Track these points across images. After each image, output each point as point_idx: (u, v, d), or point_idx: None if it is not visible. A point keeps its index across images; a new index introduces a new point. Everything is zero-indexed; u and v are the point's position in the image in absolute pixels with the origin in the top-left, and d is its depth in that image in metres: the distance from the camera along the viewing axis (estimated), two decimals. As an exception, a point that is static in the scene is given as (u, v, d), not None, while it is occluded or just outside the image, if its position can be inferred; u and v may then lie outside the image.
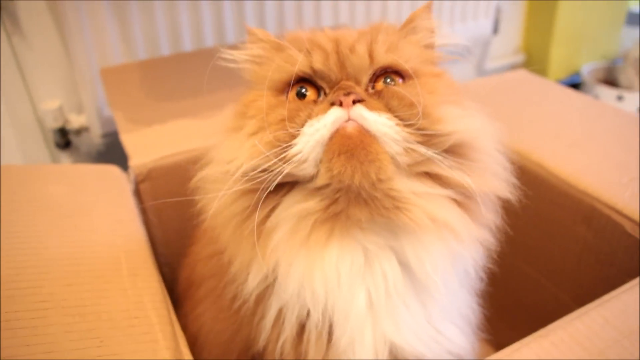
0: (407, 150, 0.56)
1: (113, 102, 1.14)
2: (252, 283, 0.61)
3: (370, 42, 0.60)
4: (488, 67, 2.34)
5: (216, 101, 1.12)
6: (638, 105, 2.23)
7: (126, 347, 0.59)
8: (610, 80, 2.42)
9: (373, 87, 0.60)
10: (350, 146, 0.54)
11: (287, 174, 0.56)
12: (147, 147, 1.00)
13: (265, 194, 0.57)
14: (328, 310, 0.59)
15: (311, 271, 0.58)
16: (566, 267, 0.92)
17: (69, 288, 0.66)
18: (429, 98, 0.58)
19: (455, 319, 0.68)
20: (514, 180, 0.64)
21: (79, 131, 1.53)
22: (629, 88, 2.32)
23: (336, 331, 0.61)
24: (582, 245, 0.88)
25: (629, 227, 0.79)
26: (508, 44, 2.43)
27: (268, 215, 0.59)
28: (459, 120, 0.59)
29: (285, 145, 0.56)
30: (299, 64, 0.59)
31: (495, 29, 2.20)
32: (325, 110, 0.55)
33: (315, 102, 0.59)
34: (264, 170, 0.56)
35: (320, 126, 0.54)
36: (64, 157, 1.57)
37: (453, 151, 0.58)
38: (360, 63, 0.59)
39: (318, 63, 0.58)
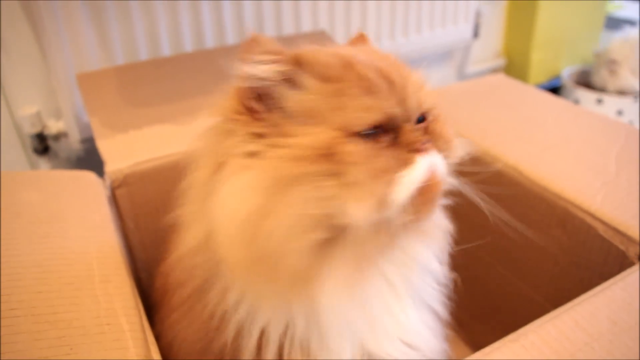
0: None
1: (89, 107, 1.13)
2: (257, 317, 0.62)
3: (412, 82, 0.62)
4: (469, 71, 2.35)
5: (193, 106, 1.11)
6: (617, 108, 2.25)
7: (96, 354, 0.58)
8: (590, 83, 2.44)
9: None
10: (438, 192, 0.60)
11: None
12: (124, 152, 0.99)
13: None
14: (316, 327, 0.61)
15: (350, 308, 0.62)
16: (542, 270, 0.93)
17: (39, 295, 0.65)
18: (450, 131, 0.64)
19: (428, 320, 0.69)
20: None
21: (58, 137, 1.52)
22: (602, 90, 2.34)
23: (315, 344, 0.62)
24: (557, 248, 0.88)
25: (602, 230, 0.80)
26: (489, 48, 2.45)
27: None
28: (459, 143, 0.65)
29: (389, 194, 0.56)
30: (378, 113, 0.57)
31: (476, 33, 2.21)
32: (413, 159, 0.57)
33: (389, 146, 0.58)
34: None
35: (417, 174, 0.56)
36: (43, 163, 1.56)
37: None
38: (415, 105, 0.60)
39: (393, 110, 0.58)
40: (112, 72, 1.26)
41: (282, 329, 0.62)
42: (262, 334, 0.63)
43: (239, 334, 0.64)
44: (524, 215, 0.92)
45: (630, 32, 2.36)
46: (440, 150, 0.60)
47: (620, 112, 2.25)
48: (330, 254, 0.58)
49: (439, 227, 0.69)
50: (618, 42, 2.35)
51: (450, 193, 0.67)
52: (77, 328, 0.61)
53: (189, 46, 1.56)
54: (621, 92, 2.30)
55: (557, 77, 2.52)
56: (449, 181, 0.62)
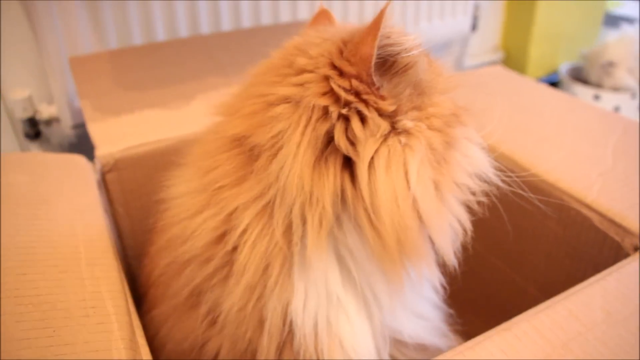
0: None
1: (81, 91, 1.12)
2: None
3: None
4: (467, 65, 2.34)
5: (187, 91, 1.11)
6: (614, 105, 2.25)
7: (79, 337, 0.57)
8: (585, 79, 2.43)
9: None
10: None
11: None
12: (115, 137, 0.98)
13: None
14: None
15: None
16: (536, 262, 0.92)
17: (23, 277, 0.64)
18: None
19: (427, 293, 0.70)
20: None
21: (49, 122, 1.51)
22: (598, 86, 2.33)
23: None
24: (552, 239, 0.87)
25: (597, 221, 0.79)
26: (487, 41, 2.44)
27: None
28: None
29: None
30: None
31: (474, 27, 2.20)
32: None
33: None
34: None
35: None
36: (34, 148, 1.54)
37: None
38: None
39: None
40: (106, 56, 1.25)
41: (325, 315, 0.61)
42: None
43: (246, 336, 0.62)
44: (519, 206, 0.91)
45: (626, 31, 2.34)
46: None
47: (617, 109, 2.24)
48: None
49: None
50: (614, 42, 2.33)
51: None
52: (61, 310, 0.60)
53: (183, 32, 1.55)
54: (617, 90, 2.29)
55: (555, 73, 2.51)
56: None
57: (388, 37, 0.55)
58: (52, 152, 1.56)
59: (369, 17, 0.55)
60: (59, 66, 1.39)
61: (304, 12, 1.71)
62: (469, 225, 0.64)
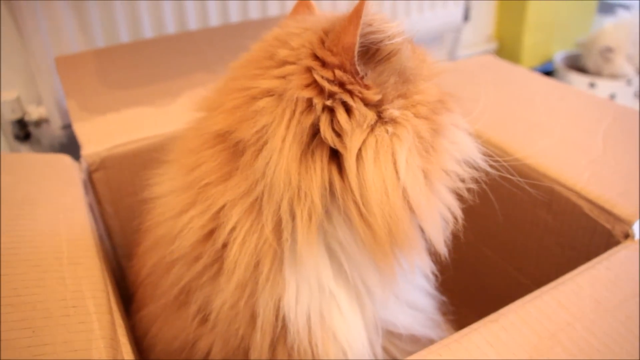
0: None
1: (67, 90, 1.11)
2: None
3: None
4: (460, 55, 2.33)
5: (173, 89, 1.10)
6: (610, 92, 2.23)
7: (58, 337, 0.56)
8: (582, 68, 2.42)
9: None
10: None
11: None
12: (101, 135, 0.97)
13: None
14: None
15: None
16: (527, 251, 0.91)
17: (4, 278, 0.63)
18: None
19: (420, 282, 0.70)
20: None
21: (39, 123, 1.50)
22: (597, 75, 2.32)
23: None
24: (543, 228, 0.86)
25: (587, 208, 0.78)
26: (480, 31, 2.42)
27: None
28: None
29: None
30: None
31: (466, 17, 2.18)
32: None
33: None
34: None
35: None
36: (25, 150, 1.53)
37: None
38: None
39: None
40: (92, 55, 1.24)
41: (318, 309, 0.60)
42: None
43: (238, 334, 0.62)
44: (508, 194, 0.90)
45: (624, 17, 2.33)
46: None
47: (613, 96, 2.23)
48: None
49: None
50: (611, 28, 2.32)
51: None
52: (41, 310, 0.59)
53: (171, 29, 1.53)
54: (615, 77, 2.28)
55: (550, 61, 2.50)
56: None
57: (370, 25, 0.54)
58: (43, 153, 1.56)
59: (351, 5, 0.54)
60: (47, 67, 1.39)
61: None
62: (459, 213, 0.63)
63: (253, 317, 0.59)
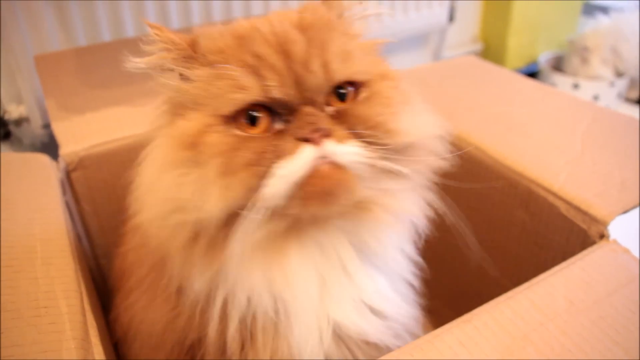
0: (371, 166, 0.57)
1: (46, 89, 1.10)
2: (199, 286, 0.60)
3: (324, 54, 0.57)
4: (445, 56, 2.33)
5: (153, 88, 1.09)
6: (593, 94, 2.25)
7: (28, 338, 0.56)
8: (561, 69, 2.44)
9: (328, 103, 0.58)
10: (327, 187, 0.55)
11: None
12: (79, 135, 0.96)
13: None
14: (278, 299, 0.60)
15: (272, 278, 0.59)
16: (506, 252, 0.91)
17: (-26, 279, 0.62)
18: (386, 112, 0.59)
19: (400, 288, 0.69)
20: (448, 158, 0.67)
21: (19, 122, 1.49)
22: (575, 75, 2.33)
23: (284, 317, 0.61)
24: (521, 228, 0.87)
25: (564, 209, 0.78)
26: (465, 32, 2.43)
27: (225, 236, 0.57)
28: (414, 128, 0.61)
29: (258, 187, 0.54)
30: (253, 93, 0.55)
31: (451, 17, 2.19)
32: (294, 149, 0.53)
33: (277, 133, 0.56)
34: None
35: (294, 168, 0.53)
36: (5, 149, 1.52)
37: (402, 150, 0.60)
38: (318, 83, 0.56)
39: (275, 91, 0.55)
40: (71, 54, 1.23)
41: (243, 303, 0.60)
42: (224, 309, 0.62)
43: (199, 311, 0.63)
44: (487, 195, 0.90)
45: (604, 21, 2.35)
46: (355, 134, 0.56)
47: (596, 97, 2.24)
48: (234, 233, 0.56)
49: (395, 211, 0.64)
50: (592, 30, 2.34)
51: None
52: (11, 311, 0.59)
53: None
54: (593, 79, 2.30)
55: (534, 63, 2.51)
56: (363, 169, 0.56)
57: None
58: (24, 152, 1.55)
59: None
60: (27, 66, 1.37)
61: (276, 6, 1.70)
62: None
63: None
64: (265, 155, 0.54)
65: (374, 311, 0.65)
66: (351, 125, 0.57)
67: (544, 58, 2.44)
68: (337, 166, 0.54)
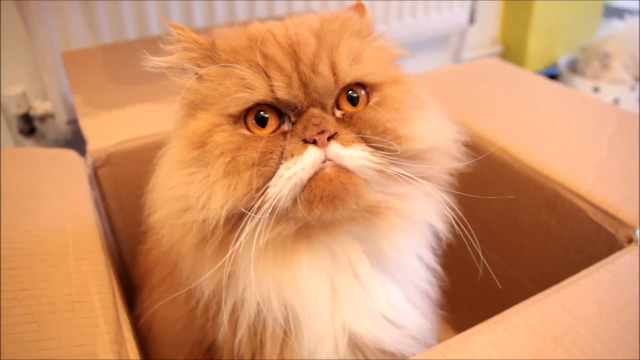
0: (381, 171, 0.56)
1: (73, 86, 1.11)
2: (208, 289, 0.61)
3: (333, 56, 0.57)
4: (465, 58, 2.33)
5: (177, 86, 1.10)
6: (614, 97, 2.23)
7: (64, 331, 0.57)
8: (581, 73, 2.42)
9: (339, 107, 0.58)
10: (331, 190, 0.54)
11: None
12: (107, 131, 0.97)
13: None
14: (288, 305, 0.60)
15: (281, 283, 0.59)
16: (531, 255, 0.91)
17: (9, 272, 0.63)
18: (397, 118, 0.58)
19: (415, 299, 0.68)
20: (462, 161, 0.67)
21: (44, 118, 1.50)
22: (594, 79, 2.31)
23: (295, 324, 0.61)
24: (546, 232, 0.86)
25: (591, 212, 0.78)
26: (485, 34, 2.42)
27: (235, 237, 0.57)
28: (427, 134, 0.60)
29: (263, 188, 0.54)
30: (260, 93, 0.55)
31: (472, 19, 2.18)
32: (299, 150, 0.54)
33: (284, 134, 0.56)
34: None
35: (298, 170, 0.53)
36: (30, 144, 1.54)
37: (414, 156, 0.59)
38: (326, 85, 0.56)
39: (281, 92, 0.55)
40: (98, 51, 1.24)
41: (253, 308, 0.60)
42: (235, 312, 0.62)
43: (212, 315, 0.64)
44: (512, 198, 0.90)
45: (619, 26, 2.33)
46: (363, 138, 0.56)
47: (617, 101, 2.23)
48: (241, 234, 0.56)
49: (409, 215, 0.63)
50: (612, 34, 2.32)
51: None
52: (46, 305, 0.60)
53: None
54: (615, 82, 2.28)
55: (554, 65, 2.49)
56: (371, 174, 0.56)
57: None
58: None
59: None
60: (53, 62, 1.39)
61: (299, 5, 1.70)
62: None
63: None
64: (271, 156, 0.54)
65: (389, 320, 0.64)
66: (359, 130, 0.56)
67: (563, 61, 2.42)
68: (342, 170, 0.54)
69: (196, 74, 0.61)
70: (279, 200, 0.54)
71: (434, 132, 0.62)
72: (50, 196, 0.80)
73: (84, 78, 1.14)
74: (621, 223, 0.75)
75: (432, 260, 0.68)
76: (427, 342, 0.68)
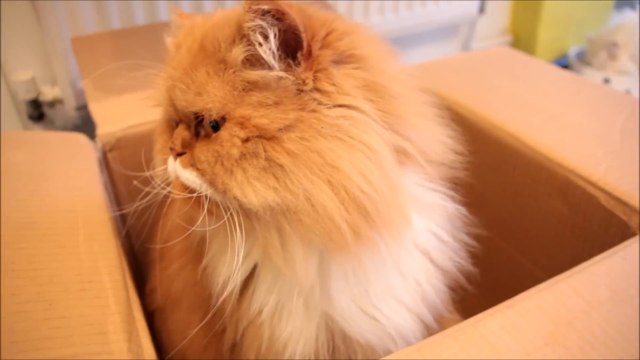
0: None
1: (83, 70, 1.11)
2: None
3: (188, 81, 0.56)
4: (474, 48, 2.32)
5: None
6: (624, 88, 2.22)
7: (75, 310, 0.57)
8: (588, 63, 2.41)
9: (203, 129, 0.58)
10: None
11: None
12: (116, 116, 0.97)
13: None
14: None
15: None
16: (542, 243, 0.90)
17: (20, 252, 0.63)
18: (217, 164, 0.54)
19: (401, 296, 0.66)
20: None
21: (53, 103, 1.50)
22: (602, 69, 2.30)
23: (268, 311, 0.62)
24: (558, 219, 0.86)
25: (603, 199, 0.77)
26: (495, 24, 2.41)
27: None
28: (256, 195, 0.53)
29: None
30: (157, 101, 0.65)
31: (482, 9, 2.17)
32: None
33: None
34: None
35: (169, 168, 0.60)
36: (38, 130, 1.54)
37: None
38: (182, 108, 0.57)
39: (162, 107, 0.63)
40: (108, 36, 1.24)
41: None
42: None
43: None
44: (524, 185, 0.90)
45: (631, 17, 2.31)
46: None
47: (627, 92, 2.22)
48: None
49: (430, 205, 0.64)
50: (621, 24, 2.30)
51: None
52: (57, 284, 0.60)
53: (186, 10, 1.53)
54: (622, 73, 2.27)
55: (565, 56, 2.48)
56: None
57: None
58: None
59: None
60: (62, 48, 1.39)
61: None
62: None
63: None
64: (165, 149, 0.61)
65: (373, 313, 0.64)
66: (196, 158, 0.56)
67: (573, 52, 2.41)
68: (184, 184, 0.57)
69: None
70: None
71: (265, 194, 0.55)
72: (60, 178, 0.80)
73: (94, 63, 1.14)
74: (634, 210, 0.74)
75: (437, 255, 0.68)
76: (415, 337, 0.67)
